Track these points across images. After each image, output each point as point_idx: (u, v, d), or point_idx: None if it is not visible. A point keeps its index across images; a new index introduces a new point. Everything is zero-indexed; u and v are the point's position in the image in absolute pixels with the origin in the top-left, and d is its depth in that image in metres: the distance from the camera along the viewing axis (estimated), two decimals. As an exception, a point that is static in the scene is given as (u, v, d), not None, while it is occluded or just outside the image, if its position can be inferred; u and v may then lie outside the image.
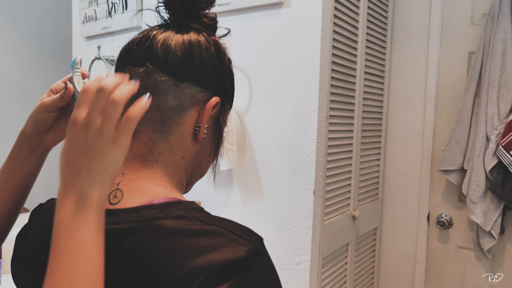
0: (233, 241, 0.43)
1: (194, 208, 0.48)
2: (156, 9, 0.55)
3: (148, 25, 0.56)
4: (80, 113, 0.42)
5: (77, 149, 0.41)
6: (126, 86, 0.42)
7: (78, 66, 0.58)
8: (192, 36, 0.52)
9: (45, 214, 0.56)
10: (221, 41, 0.56)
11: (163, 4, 0.54)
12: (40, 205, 0.61)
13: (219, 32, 0.57)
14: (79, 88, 0.57)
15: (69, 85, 0.56)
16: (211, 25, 0.55)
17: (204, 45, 0.52)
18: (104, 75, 0.43)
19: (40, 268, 0.52)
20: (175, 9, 0.53)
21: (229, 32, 0.57)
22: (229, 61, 0.57)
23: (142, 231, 0.44)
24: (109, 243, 0.43)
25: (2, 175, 0.58)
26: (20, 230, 0.59)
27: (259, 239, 0.46)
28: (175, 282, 0.42)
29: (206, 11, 0.54)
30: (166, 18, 0.55)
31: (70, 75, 0.59)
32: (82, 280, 0.39)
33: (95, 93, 0.41)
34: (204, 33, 0.53)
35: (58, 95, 0.57)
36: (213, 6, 0.54)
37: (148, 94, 0.44)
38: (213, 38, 0.54)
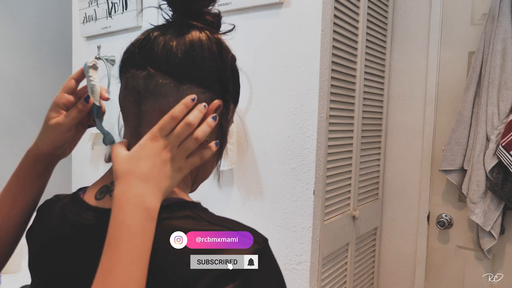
0: None
1: (200, 209, 0.49)
2: (159, 7, 0.54)
3: (151, 24, 0.55)
4: (162, 133, 0.47)
5: (149, 162, 0.46)
6: (206, 126, 0.49)
7: (91, 74, 0.55)
8: (194, 35, 0.51)
9: (53, 214, 0.56)
10: (225, 37, 0.55)
11: (166, 2, 0.53)
12: (46, 202, 0.60)
13: (224, 28, 0.55)
14: (93, 98, 0.55)
15: (91, 97, 0.54)
16: (214, 22, 0.53)
17: (206, 45, 0.51)
18: (188, 102, 0.48)
19: (50, 270, 0.52)
20: (177, 7, 0.52)
21: (234, 28, 0.55)
22: (233, 58, 0.55)
23: None
24: None
25: (13, 192, 0.57)
26: (30, 226, 0.60)
27: (265, 240, 0.46)
28: (182, 282, 0.42)
29: (210, 7, 0.53)
30: (168, 17, 0.54)
31: (71, 85, 0.56)
32: (132, 287, 0.41)
33: (183, 126, 0.48)
34: (206, 32, 0.52)
35: (75, 110, 0.55)
36: (216, 3, 0.53)
37: (203, 104, 0.50)
38: (215, 36, 0.53)
